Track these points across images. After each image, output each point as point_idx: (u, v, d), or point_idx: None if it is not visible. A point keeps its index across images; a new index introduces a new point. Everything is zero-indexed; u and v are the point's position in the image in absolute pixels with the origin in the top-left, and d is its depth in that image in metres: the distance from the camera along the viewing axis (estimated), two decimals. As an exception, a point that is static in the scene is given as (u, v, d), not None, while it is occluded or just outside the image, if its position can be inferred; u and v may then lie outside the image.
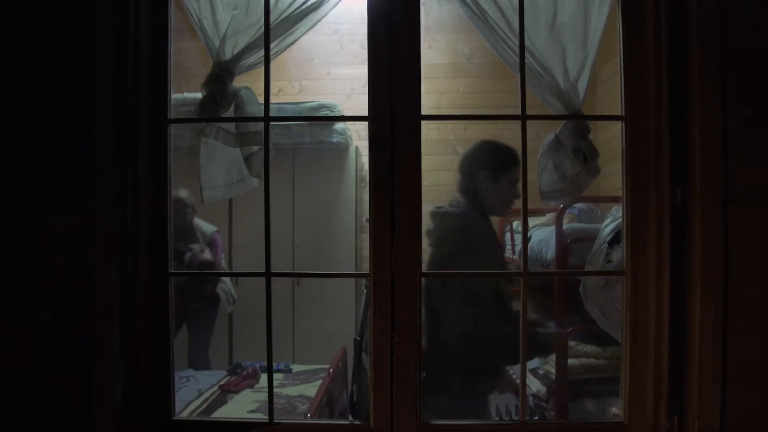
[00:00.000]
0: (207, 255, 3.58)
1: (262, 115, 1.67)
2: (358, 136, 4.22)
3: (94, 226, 1.53)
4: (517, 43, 1.62)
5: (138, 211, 1.59)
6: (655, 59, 1.56)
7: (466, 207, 2.11)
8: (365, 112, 1.61)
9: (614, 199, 2.96)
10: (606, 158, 2.02)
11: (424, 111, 1.60)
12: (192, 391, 2.90)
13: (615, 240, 2.27)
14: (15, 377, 1.54)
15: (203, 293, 3.63)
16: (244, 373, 3.03)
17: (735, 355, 1.47)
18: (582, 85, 1.68)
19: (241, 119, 1.71)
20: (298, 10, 1.67)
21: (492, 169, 2.09)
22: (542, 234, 3.22)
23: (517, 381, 2.44)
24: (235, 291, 3.80)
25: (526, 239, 1.67)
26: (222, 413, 2.52)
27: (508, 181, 2.07)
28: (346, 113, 4.08)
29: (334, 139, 3.88)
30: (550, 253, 2.99)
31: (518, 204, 1.65)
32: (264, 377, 2.99)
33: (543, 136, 1.78)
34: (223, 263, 3.83)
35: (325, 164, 3.97)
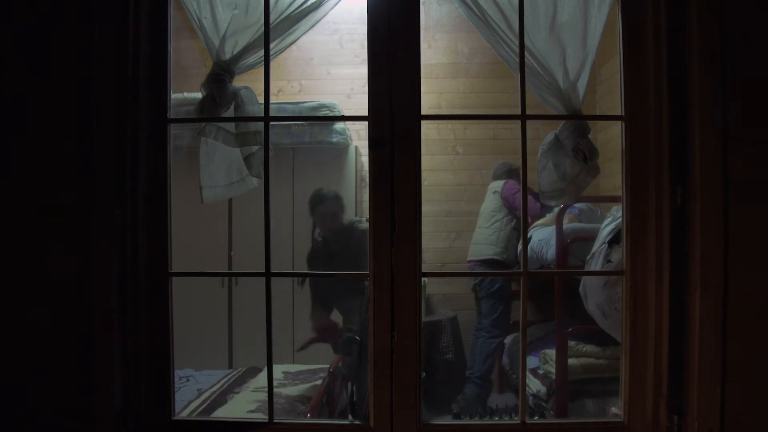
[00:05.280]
0: None
1: (262, 114, 1.67)
2: (358, 136, 4.22)
3: (94, 226, 1.53)
4: (517, 42, 1.62)
5: (138, 211, 1.59)
6: (655, 59, 1.56)
7: None
8: (365, 112, 1.61)
9: (614, 199, 2.96)
10: (606, 158, 2.03)
11: (423, 111, 1.60)
12: (192, 391, 2.89)
13: (615, 240, 2.27)
14: (15, 377, 1.54)
15: None
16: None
17: (735, 355, 1.47)
18: (582, 85, 1.68)
19: (240, 119, 1.71)
20: (298, 9, 1.67)
21: None
22: (542, 234, 3.22)
23: (518, 381, 2.44)
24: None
25: (526, 239, 1.67)
26: (222, 413, 2.51)
27: None
28: (346, 113, 4.08)
29: (334, 139, 3.88)
30: (551, 253, 2.99)
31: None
32: (263, 377, 2.99)
33: (543, 135, 1.78)
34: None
35: (325, 164, 3.97)
